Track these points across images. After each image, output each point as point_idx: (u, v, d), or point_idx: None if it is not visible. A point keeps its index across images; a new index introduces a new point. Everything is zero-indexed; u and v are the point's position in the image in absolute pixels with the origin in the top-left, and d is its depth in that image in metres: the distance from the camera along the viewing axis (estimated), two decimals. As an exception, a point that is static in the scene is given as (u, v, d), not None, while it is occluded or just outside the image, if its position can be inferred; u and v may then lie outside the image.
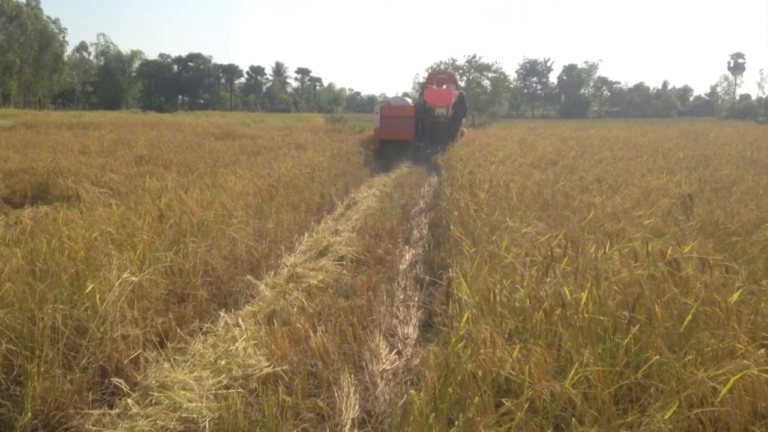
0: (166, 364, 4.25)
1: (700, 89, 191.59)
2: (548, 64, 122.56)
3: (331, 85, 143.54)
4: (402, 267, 7.36)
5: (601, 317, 3.63)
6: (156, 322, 4.88)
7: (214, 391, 3.89)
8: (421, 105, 22.64)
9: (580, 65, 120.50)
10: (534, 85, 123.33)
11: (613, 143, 20.61)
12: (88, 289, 4.38)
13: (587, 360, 3.15)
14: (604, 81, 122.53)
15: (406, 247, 8.37)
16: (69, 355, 4.10)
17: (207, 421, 3.54)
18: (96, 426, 3.59)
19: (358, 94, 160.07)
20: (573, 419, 2.88)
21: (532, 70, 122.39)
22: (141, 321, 4.72)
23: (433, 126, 22.13)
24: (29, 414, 3.56)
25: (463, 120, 24.46)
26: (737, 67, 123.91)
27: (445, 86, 25.14)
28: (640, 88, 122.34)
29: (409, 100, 23.39)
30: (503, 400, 3.05)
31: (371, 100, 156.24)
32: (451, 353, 3.32)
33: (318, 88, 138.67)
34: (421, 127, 22.14)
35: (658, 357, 3.17)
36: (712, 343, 3.36)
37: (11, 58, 70.66)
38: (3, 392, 3.74)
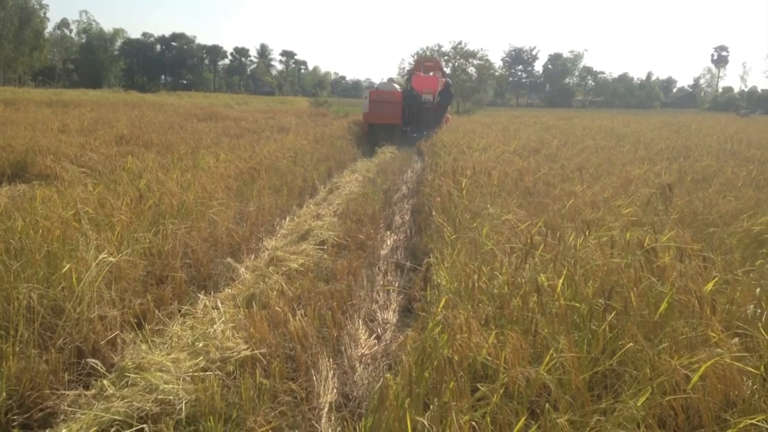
0: (143, 346, 4.22)
1: (684, 81, 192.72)
2: (534, 52, 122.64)
3: (316, 69, 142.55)
4: (383, 252, 7.36)
5: (578, 304, 3.66)
6: (134, 303, 4.84)
7: (191, 373, 3.87)
8: (409, 91, 23.58)
9: (566, 55, 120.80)
10: (519, 73, 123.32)
11: (595, 133, 20.74)
12: (65, 269, 4.34)
13: (563, 346, 3.18)
14: (588, 71, 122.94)
15: (388, 232, 8.38)
16: (45, 336, 4.07)
17: (183, 403, 3.53)
18: (71, 407, 3.56)
19: (343, 78, 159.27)
20: (547, 405, 2.91)
21: (518, 58, 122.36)
22: (119, 302, 4.68)
23: (420, 111, 23.07)
24: (3, 394, 3.53)
25: (449, 107, 25.97)
26: (720, 59, 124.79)
27: (431, 73, 26.27)
28: (624, 79, 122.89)
29: (397, 86, 24.75)
30: (479, 385, 3.07)
31: (356, 84, 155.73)
32: (428, 338, 3.33)
33: (303, 71, 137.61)
34: (408, 113, 23.12)
35: (632, 344, 3.21)
36: (686, 331, 3.40)
37: (-10, 34, 69.31)
38: (-23, 372, 3.69)
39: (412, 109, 23.24)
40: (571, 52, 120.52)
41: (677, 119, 38.41)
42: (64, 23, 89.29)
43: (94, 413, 3.41)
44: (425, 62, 31.11)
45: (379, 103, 22.81)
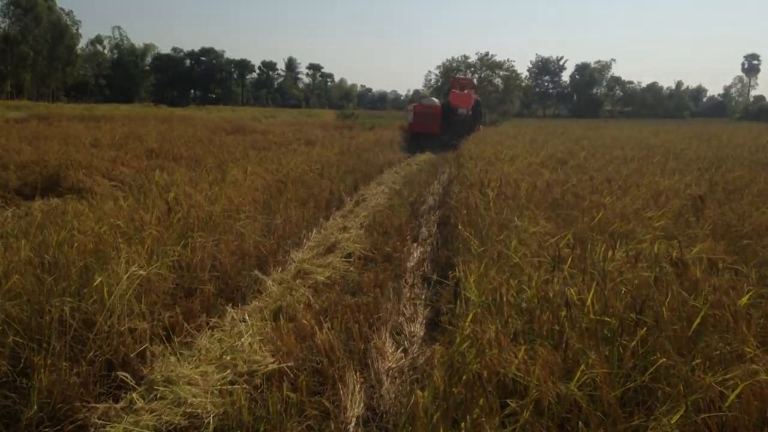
0: (172, 359, 4.25)
1: (714, 90, 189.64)
2: (561, 62, 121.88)
3: (342, 81, 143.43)
4: (410, 264, 7.34)
5: (608, 319, 3.60)
6: (163, 316, 4.89)
7: (219, 387, 3.89)
8: (446, 105, 29.03)
9: (593, 65, 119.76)
10: (546, 83, 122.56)
11: (624, 143, 20.49)
12: (96, 282, 4.40)
13: (593, 362, 3.13)
14: (616, 80, 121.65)
15: (414, 244, 8.35)
16: (76, 348, 4.12)
17: (211, 417, 3.55)
18: (101, 419, 3.60)
19: (369, 90, 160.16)
20: (579, 422, 2.86)
21: (545, 68, 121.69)
22: (148, 315, 4.73)
23: (455, 123, 27.78)
24: (35, 407, 3.57)
25: (480, 118, 32.33)
26: (751, 68, 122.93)
27: (466, 91, 31.85)
28: (653, 88, 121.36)
29: (437, 101, 30.51)
30: (508, 401, 3.03)
31: (382, 96, 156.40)
32: (456, 353, 3.30)
33: (329, 84, 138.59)
34: (445, 123, 27.85)
35: (665, 360, 3.14)
36: (720, 346, 3.32)
37: (25, 51, 71.08)
38: (9, 384, 3.75)
39: (449, 121, 27.83)
40: (597, 62, 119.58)
41: (708, 129, 37.80)
42: (98, 39, 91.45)
43: (123, 426, 3.44)
44: (461, 80, 36.77)
45: (422, 115, 27.95)
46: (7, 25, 72.77)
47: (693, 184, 9.32)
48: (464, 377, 3.13)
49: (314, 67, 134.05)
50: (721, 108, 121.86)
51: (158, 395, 3.77)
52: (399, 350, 4.90)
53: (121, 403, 3.77)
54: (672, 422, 2.79)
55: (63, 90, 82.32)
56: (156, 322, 4.76)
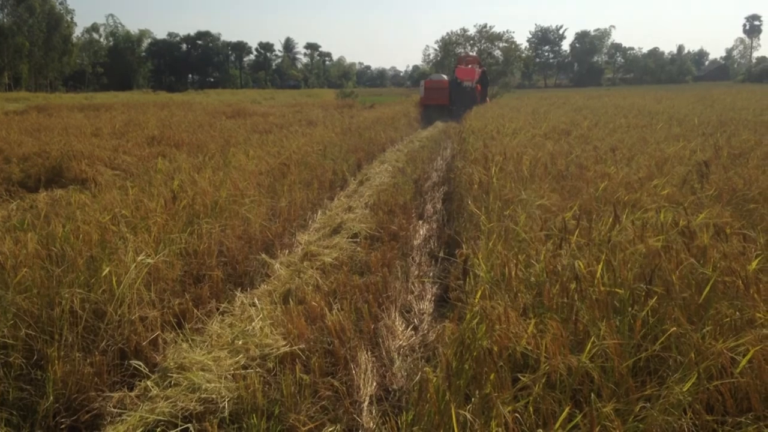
0: (184, 345, 4.28)
1: (716, 53, 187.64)
2: (560, 31, 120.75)
3: (340, 60, 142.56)
4: (416, 242, 7.34)
5: (618, 290, 3.60)
6: (173, 303, 4.91)
7: (232, 372, 3.91)
8: (454, 80, 32.77)
9: (593, 32, 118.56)
10: (546, 53, 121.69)
11: (627, 111, 20.36)
12: (105, 273, 4.41)
13: (604, 333, 3.13)
14: (617, 48, 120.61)
15: (420, 222, 8.35)
16: (88, 339, 4.15)
17: (226, 402, 3.57)
18: (117, 408, 3.63)
19: (368, 68, 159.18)
20: (591, 393, 2.87)
21: (544, 38, 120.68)
22: (158, 303, 4.75)
23: (462, 94, 31.31)
24: (51, 398, 3.61)
25: (487, 89, 37.40)
26: (753, 29, 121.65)
27: (470, 66, 35.62)
28: (654, 54, 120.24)
29: (445, 77, 34.98)
30: (520, 375, 3.04)
31: (381, 73, 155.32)
32: (466, 329, 3.31)
33: (327, 63, 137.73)
34: (453, 96, 31.45)
35: (676, 328, 3.14)
36: (730, 313, 3.32)
37: (20, 41, 70.68)
38: (25, 377, 3.79)
39: (456, 93, 31.48)
40: (597, 30, 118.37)
41: (711, 93, 37.48)
42: (94, 28, 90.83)
43: (139, 414, 3.47)
44: (467, 58, 41.42)
45: (432, 90, 32.03)
46: (2, 17, 72.37)
47: (698, 150, 9.26)
48: (475, 353, 3.14)
49: (312, 47, 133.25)
50: (723, 71, 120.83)
51: (172, 382, 3.80)
52: (409, 328, 4.92)
53: (136, 391, 3.80)
54: (684, 390, 2.80)
55: (61, 80, 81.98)
56: (166, 309, 4.78)
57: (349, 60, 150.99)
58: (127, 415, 3.52)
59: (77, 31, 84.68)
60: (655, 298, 3.39)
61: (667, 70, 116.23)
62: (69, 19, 79.23)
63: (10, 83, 71.96)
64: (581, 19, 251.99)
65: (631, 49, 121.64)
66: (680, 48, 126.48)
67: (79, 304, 4.17)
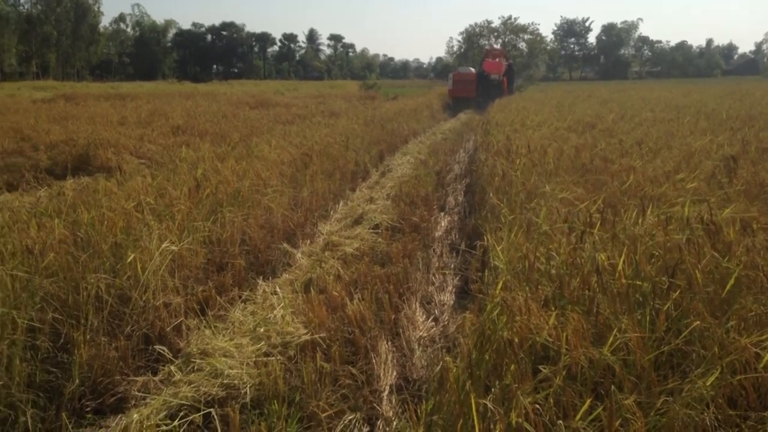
0: (207, 332, 4.33)
1: (745, 47, 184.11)
2: (586, 24, 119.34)
3: (364, 51, 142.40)
4: (437, 234, 7.34)
5: (640, 283, 3.57)
6: (196, 290, 4.97)
7: (254, 358, 3.96)
8: (481, 72, 34.18)
9: (620, 25, 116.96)
10: (572, 46, 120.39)
11: (654, 104, 20.09)
12: (129, 259, 4.47)
13: (626, 326, 3.11)
14: (644, 40, 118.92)
15: (442, 214, 8.33)
16: (113, 323, 4.21)
17: (248, 388, 3.62)
18: (141, 392, 3.69)
19: (391, 59, 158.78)
20: (612, 386, 2.86)
21: (570, 30, 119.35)
22: (182, 289, 4.81)
23: (489, 87, 32.64)
24: (77, 381, 3.67)
25: (514, 82, 39.05)
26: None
27: (497, 59, 36.95)
28: (682, 47, 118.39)
29: (472, 69, 35.83)
30: (540, 367, 3.03)
31: (405, 65, 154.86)
32: (487, 321, 3.31)
33: (351, 54, 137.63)
34: (480, 88, 32.78)
35: (699, 323, 3.11)
36: (755, 307, 3.28)
37: (48, 30, 71.69)
38: (51, 360, 3.86)
39: (483, 86, 32.80)
40: (624, 22, 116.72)
41: (740, 87, 36.82)
42: (121, 18, 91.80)
43: (163, 398, 3.53)
44: (493, 51, 42.21)
45: (460, 82, 33.32)
46: (30, 6, 73.35)
47: (725, 145, 9.12)
48: (495, 344, 3.14)
49: (335, 38, 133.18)
50: (753, 65, 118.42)
51: (195, 367, 3.85)
52: (430, 319, 4.93)
53: (160, 376, 3.86)
54: (707, 384, 2.77)
55: (87, 69, 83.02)
56: (190, 296, 4.85)
57: (372, 51, 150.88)
58: (150, 398, 3.57)
59: (104, 21, 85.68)
60: (678, 291, 3.36)
61: (695, 64, 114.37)
62: (96, 9, 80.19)
63: (38, 72, 73.05)
64: (608, 12, 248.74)
65: (659, 42, 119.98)
66: (709, 42, 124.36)
67: (105, 290, 4.24)
